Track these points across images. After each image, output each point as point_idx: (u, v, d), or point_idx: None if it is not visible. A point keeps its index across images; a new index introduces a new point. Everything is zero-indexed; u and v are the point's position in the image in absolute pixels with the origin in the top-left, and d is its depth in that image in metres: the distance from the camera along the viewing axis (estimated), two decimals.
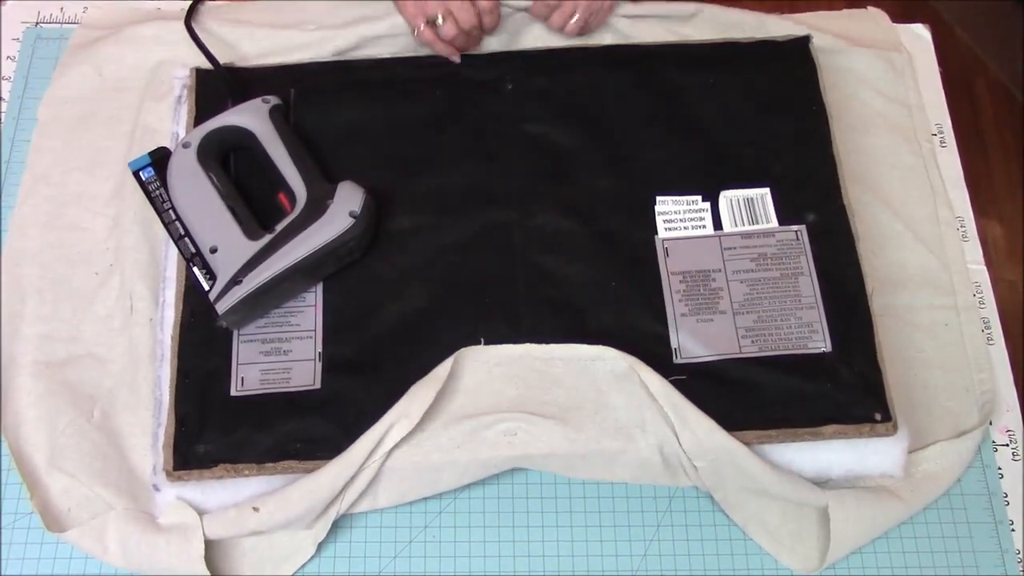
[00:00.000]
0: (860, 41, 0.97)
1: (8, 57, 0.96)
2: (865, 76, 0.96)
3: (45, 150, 0.90)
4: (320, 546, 0.77)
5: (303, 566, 0.76)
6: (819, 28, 0.96)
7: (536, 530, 0.79)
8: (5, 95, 0.94)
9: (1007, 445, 0.84)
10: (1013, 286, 1.70)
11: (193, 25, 0.92)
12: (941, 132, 0.97)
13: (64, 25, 0.98)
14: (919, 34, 1.03)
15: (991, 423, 0.84)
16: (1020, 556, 0.80)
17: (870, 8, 1.00)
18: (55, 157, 0.90)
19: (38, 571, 0.76)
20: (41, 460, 0.78)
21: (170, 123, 0.89)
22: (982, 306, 0.89)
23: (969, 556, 0.80)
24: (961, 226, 0.92)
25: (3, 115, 0.93)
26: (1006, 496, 0.82)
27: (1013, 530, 0.81)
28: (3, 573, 0.76)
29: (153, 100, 0.91)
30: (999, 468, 0.83)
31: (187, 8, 0.93)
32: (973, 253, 0.91)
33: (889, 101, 0.95)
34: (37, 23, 0.98)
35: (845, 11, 0.99)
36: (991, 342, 0.88)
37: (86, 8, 0.98)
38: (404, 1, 0.88)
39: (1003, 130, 1.86)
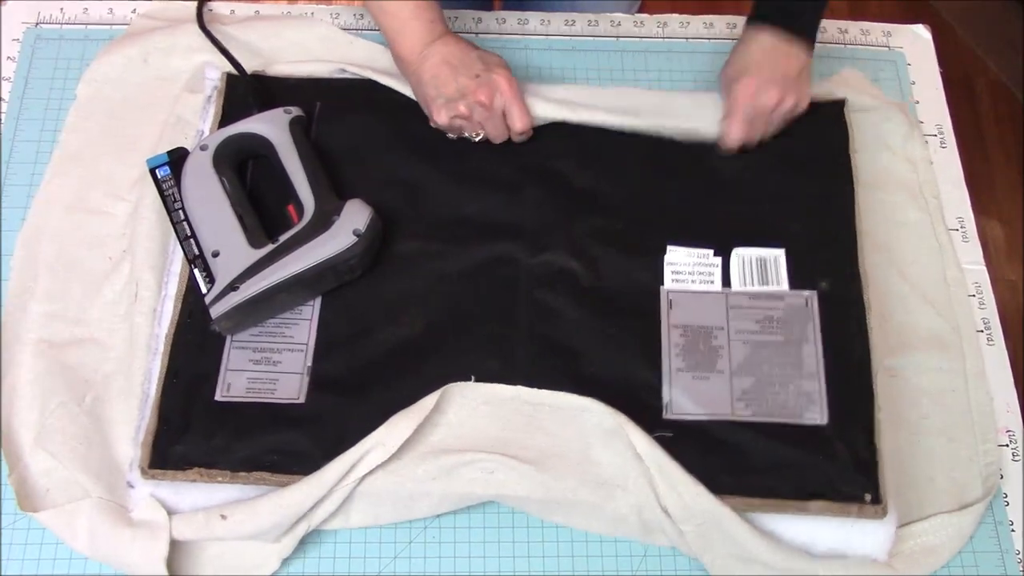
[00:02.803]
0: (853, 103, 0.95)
1: (8, 57, 0.97)
2: (872, 131, 0.93)
3: (80, 130, 0.91)
4: (321, 547, 0.77)
5: None
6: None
7: (536, 530, 0.79)
8: (5, 95, 0.95)
9: (1007, 445, 0.83)
10: (1013, 286, 1.70)
11: (220, 31, 0.93)
12: (941, 132, 0.96)
13: (64, 26, 0.99)
14: (919, 34, 1.02)
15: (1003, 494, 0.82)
16: (1020, 556, 0.79)
17: (844, 72, 0.98)
18: (89, 138, 0.91)
19: (38, 571, 0.76)
20: (28, 438, 0.78)
21: (199, 120, 0.91)
22: (982, 307, 0.87)
23: (969, 556, 0.78)
24: (961, 226, 0.91)
25: (3, 115, 0.94)
26: (1006, 496, 0.81)
27: (1013, 530, 0.79)
28: (3, 573, 0.76)
29: (190, 93, 0.92)
30: (999, 468, 0.81)
31: (196, 8, 0.94)
32: (973, 253, 0.90)
33: (895, 156, 0.93)
34: (37, 23, 0.99)
35: (824, 81, 0.96)
36: (991, 342, 0.86)
37: (86, 9, 1.00)
38: (439, 111, 0.85)
39: (1003, 130, 1.86)
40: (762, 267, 0.83)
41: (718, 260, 0.84)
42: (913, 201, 0.91)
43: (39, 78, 0.96)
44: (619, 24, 1.01)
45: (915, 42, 1.02)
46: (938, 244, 0.89)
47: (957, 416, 0.82)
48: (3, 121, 0.93)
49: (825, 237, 0.85)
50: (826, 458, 0.76)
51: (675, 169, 0.88)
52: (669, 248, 0.84)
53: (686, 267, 0.83)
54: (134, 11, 0.99)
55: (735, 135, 0.86)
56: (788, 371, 0.79)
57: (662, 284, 0.83)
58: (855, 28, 1.03)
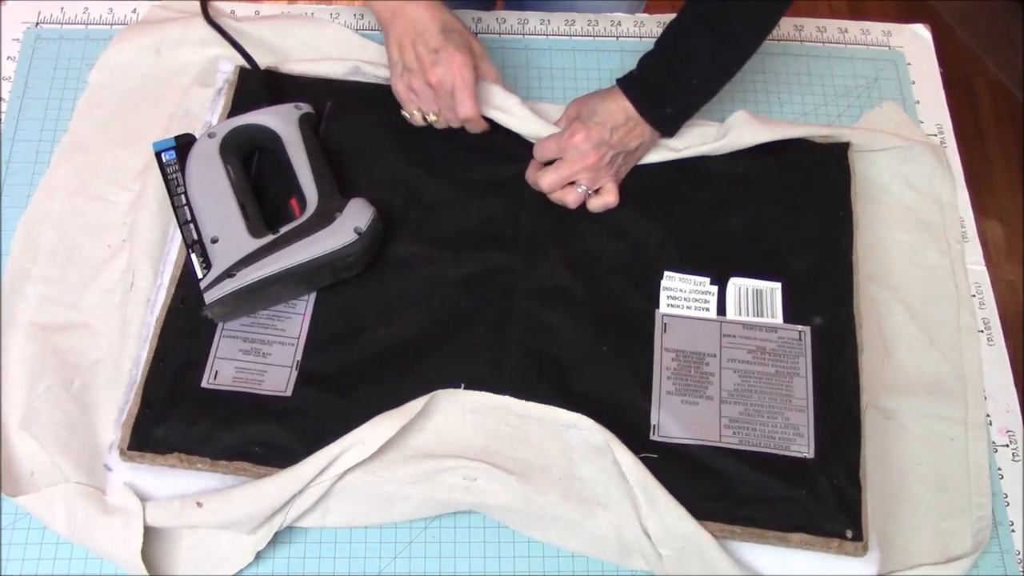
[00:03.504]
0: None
1: (8, 57, 0.97)
2: (896, 168, 0.93)
3: (89, 117, 0.91)
4: (322, 547, 0.76)
5: (241, 570, 0.75)
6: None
7: None
8: (5, 95, 0.95)
9: (1007, 446, 0.82)
10: (1013, 286, 1.70)
11: (233, 26, 0.93)
12: (941, 132, 0.97)
13: (64, 25, 0.99)
14: (919, 34, 1.03)
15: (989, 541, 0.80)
16: (1020, 556, 0.78)
17: (885, 104, 0.98)
18: (97, 126, 0.91)
19: (38, 571, 0.75)
20: (14, 420, 0.78)
21: (207, 112, 0.91)
22: (982, 307, 0.87)
23: None
24: (961, 226, 0.90)
25: (3, 115, 0.93)
26: (1006, 496, 0.80)
27: (1013, 530, 0.79)
28: (3, 573, 0.75)
29: (200, 86, 0.92)
30: (999, 468, 0.81)
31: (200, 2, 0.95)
32: (973, 253, 0.90)
33: (920, 196, 0.92)
34: (37, 23, 0.99)
35: (866, 112, 0.97)
36: (991, 343, 0.86)
37: (87, 9, 1.00)
38: (397, 79, 0.84)
39: (1003, 130, 1.87)
40: (758, 299, 0.83)
41: (714, 289, 0.84)
42: (935, 243, 0.90)
43: (39, 78, 0.95)
44: (619, 24, 1.02)
45: (915, 42, 1.03)
46: (956, 289, 0.88)
47: (952, 466, 0.81)
48: (3, 121, 0.93)
49: (822, 275, 0.85)
50: (809, 492, 0.75)
51: (677, 196, 0.88)
52: (666, 274, 0.84)
53: (682, 293, 0.84)
54: (134, 11, 1.00)
55: (540, 157, 0.86)
56: (777, 402, 0.79)
57: (657, 307, 0.83)
58: (855, 28, 1.04)
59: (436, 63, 0.80)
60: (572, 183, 0.85)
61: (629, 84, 0.85)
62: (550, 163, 0.86)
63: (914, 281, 0.89)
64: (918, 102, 0.99)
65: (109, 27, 0.99)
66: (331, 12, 1.00)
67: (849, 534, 0.74)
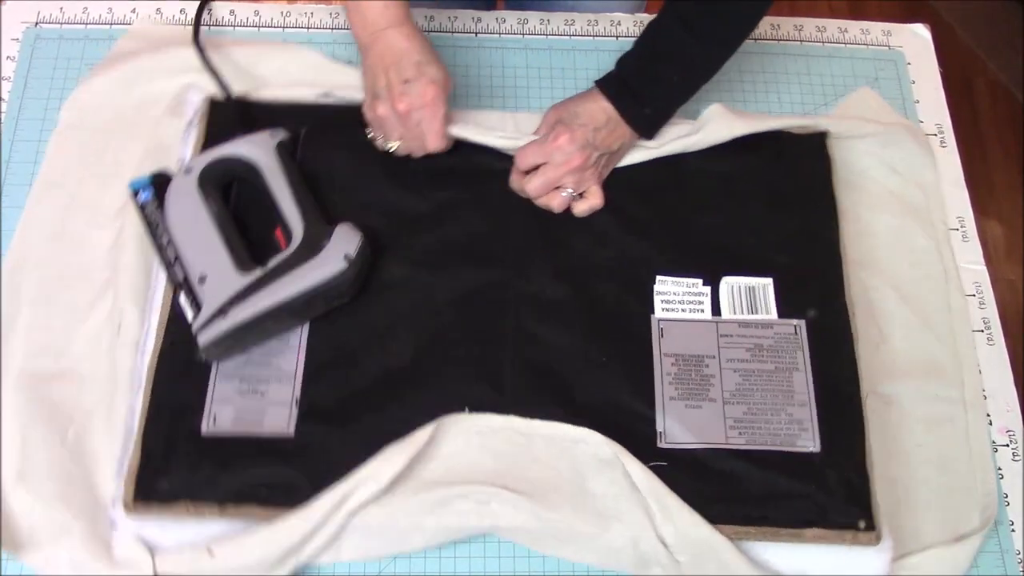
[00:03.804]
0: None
1: (8, 57, 0.96)
2: (878, 154, 0.93)
3: (61, 155, 0.89)
4: None
5: None
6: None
7: None
8: (5, 95, 0.93)
9: (1007, 445, 0.83)
10: (1013, 286, 1.71)
11: (211, 52, 0.91)
12: (941, 132, 0.97)
13: (64, 25, 0.98)
14: (919, 34, 1.03)
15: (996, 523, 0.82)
16: (1020, 556, 0.79)
17: (861, 90, 0.99)
18: (70, 164, 0.89)
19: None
20: (10, 473, 0.76)
21: (180, 145, 0.89)
22: (982, 307, 0.88)
23: None
24: (961, 226, 0.91)
25: (3, 115, 0.92)
26: (1006, 496, 0.81)
27: (1013, 530, 0.80)
28: (3, 573, 0.74)
29: (171, 116, 0.90)
30: (999, 468, 0.82)
31: (193, 25, 0.93)
32: (973, 253, 0.91)
33: (903, 180, 0.93)
34: (37, 23, 0.98)
35: (841, 101, 0.98)
36: (991, 342, 0.86)
37: (86, 8, 0.98)
38: (368, 104, 0.84)
39: (1003, 130, 1.88)
40: (751, 296, 0.84)
41: (707, 289, 0.84)
42: (921, 226, 0.91)
43: (39, 78, 0.95)
44: (619, 23, 1.01)
45: (915, 42, 1.03)
46: (944, 271, 0.89)
47: (954, 446, 0.82)
48: (3, 121, 0.91)
49: (812, 267, 0.85)
50: (819, 486, 0.76)
51: (661, 198, 0.88)
52: (658, 278, 0.84)
53: (676, 296, 0.83)
54: (133, 11, 0.98)
55: (523, 165, 0.85)
56: (779, 399, 0.79)
57: (652, 312, 0.83)
58: (855, 27, 1.04)
59: (405, 93, 0.80)
60: (557, 188, 0.85)
61: (608, 84, 0.84)
62: (534, 170, 0.85)
63: (903, 265, 0.89)
64: (918, 102, 1.00)
65: (108, 27, 0.98)
66: (331, 12, 1.00)
67: (862, 524, 0.75)
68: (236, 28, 0.99)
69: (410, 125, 0.82)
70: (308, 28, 1.00)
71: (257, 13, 0.99)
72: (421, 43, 0.81)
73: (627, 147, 0.87)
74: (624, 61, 0.84)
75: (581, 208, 0.86)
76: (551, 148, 0.83)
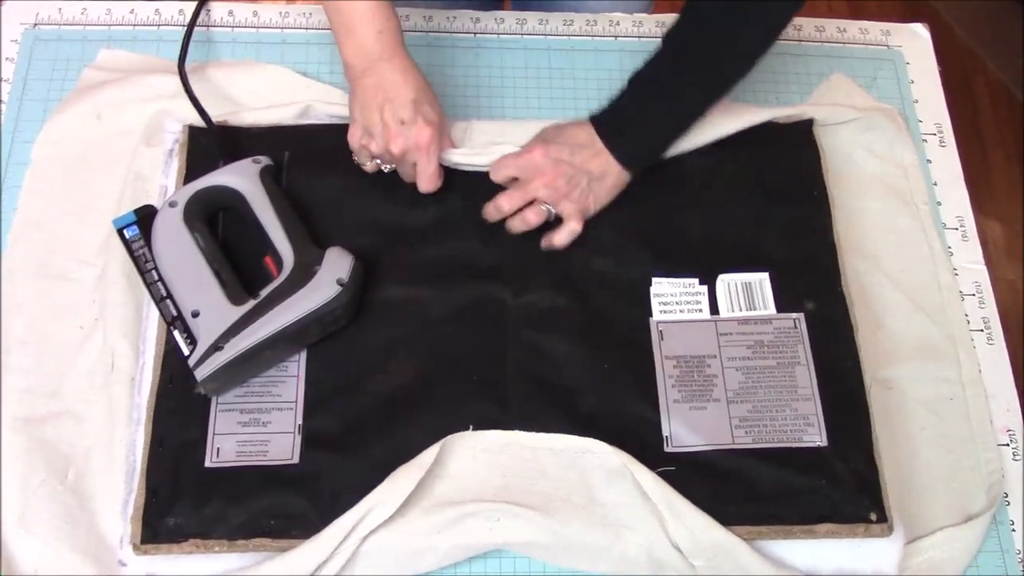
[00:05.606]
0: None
1: (7, 58, 0.95)
2: (858, 139, 0.93)
3: (36, 193, 0.88)
4: None
5: None
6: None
7: None
8: (4, 96, 0.92)
9: (1007, 445, 0.83)
10: (1013, 286, 1.71)
11: (191, 76, 0.90)
12: (940, 131, 0.97)
13: (62, 26, 0.97)
14: (918, 33, 1.03)
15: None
16: (1020, 556, 0.79)
17: (833, 77, 0.98)
18: (47, 201, 0.87)
19: None
20: (11, 518, 0.75)
21: (160, 175, 0.87)
22: (982, 307, 0.88)
23: None
24: (961, 226, 0.91)
25: (2, 116, 0.91)
26: (1006, 496, 0.81)
27: (1013, 530, 0.80)
28: (3, 574, 0.73)
29: (147, 146, 0.89)
30: (1002, 476, 0.82)
31: (180, 52, 0.91)
32: (973, 253, 0.91)
33: (884, 163, 0.93)
34: (35, 24, 0.97)
35: (816, 89, 0.98)
36: (991, 342, 0.86)
37: (84, 9, 0.98)
38: (354, 135, 0.83)
39: (1003, 130, 1.88)
40: (748, 292, 0.83)
41: (704, 288, 0.83)
42: (904, 208, 0.91)
43: (37, 79, 0.94)
44: (617, 24, 1.01)
45: (914, 41, 1.02)
46: (930, 250, 0.89)
47: (955, 425, 0.82)
48: (2, 122, 0.91)
49: (807, 258, 0.85)
50: (829, 480, 0.76)
51: (652, 198, 0.87)
52: (654, 280, 0.84)
53: (673, 297, 0.83)
54: (132, 11, 0.98)
55: (497, 177, 0.84)
56: (783, 395, 0.79)
57: (651, 316, 0.82)
58: (854, 27, 1.04)
59: (401, 135, 0.79)
60: (533, 202, 0.83)
61: (598, 113, 0.84)
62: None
63: (890, 247, 0.89)
64: (917, 101, 0.99)
65: (107, 28, 0.97)
66: None
67: (873, 517, 0.75)
68: (235, 29, 0.98)
69: (403, 165, 0.82)
70: (307, 28, 0.99)
71: (256, 14, 0.98)
72: (416, 78, 0.80)
73: (615, 181, 0.84)
74: (615, 97, 0.84)
75: (561, 238, 0.83)
76: (524, 161, 0.83)
